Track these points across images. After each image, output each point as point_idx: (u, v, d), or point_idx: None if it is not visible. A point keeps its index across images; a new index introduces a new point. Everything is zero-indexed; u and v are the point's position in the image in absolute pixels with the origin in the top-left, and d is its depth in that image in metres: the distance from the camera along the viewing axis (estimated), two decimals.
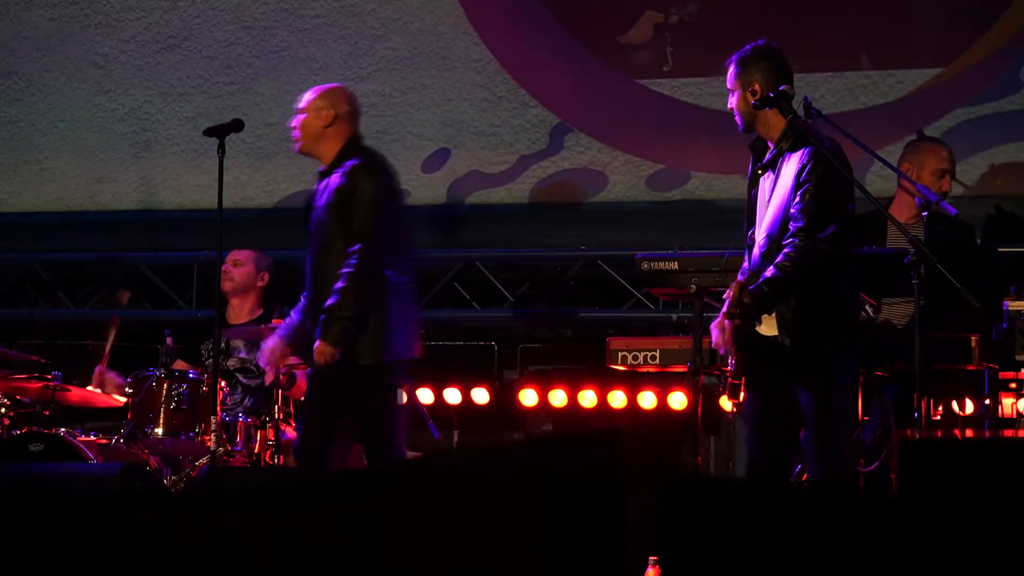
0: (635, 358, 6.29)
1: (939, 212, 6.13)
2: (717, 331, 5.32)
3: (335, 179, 5.98)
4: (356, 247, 5.86)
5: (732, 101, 5.33)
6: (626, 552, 2.70)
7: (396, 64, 8.57)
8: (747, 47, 5.36)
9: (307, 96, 6.14)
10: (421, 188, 8.44)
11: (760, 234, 5.25)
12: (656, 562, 2.91)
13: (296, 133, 6.10)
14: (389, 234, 5.99)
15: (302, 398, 6.53)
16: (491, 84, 8.45)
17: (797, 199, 5.10)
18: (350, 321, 5.82)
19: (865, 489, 5.74)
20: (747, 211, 5.37)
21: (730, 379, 5.25)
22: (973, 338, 5.95)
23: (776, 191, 5.20)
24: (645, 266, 6.01)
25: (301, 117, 6.09)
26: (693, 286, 5.73)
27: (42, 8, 9.04)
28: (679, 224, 7.97)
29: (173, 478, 6.69)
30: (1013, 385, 6.24)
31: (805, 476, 5.67)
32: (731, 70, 5.34)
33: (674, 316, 7.96)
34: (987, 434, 6.05)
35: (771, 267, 5.08)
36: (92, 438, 6.97)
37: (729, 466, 7.54)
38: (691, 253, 6.03)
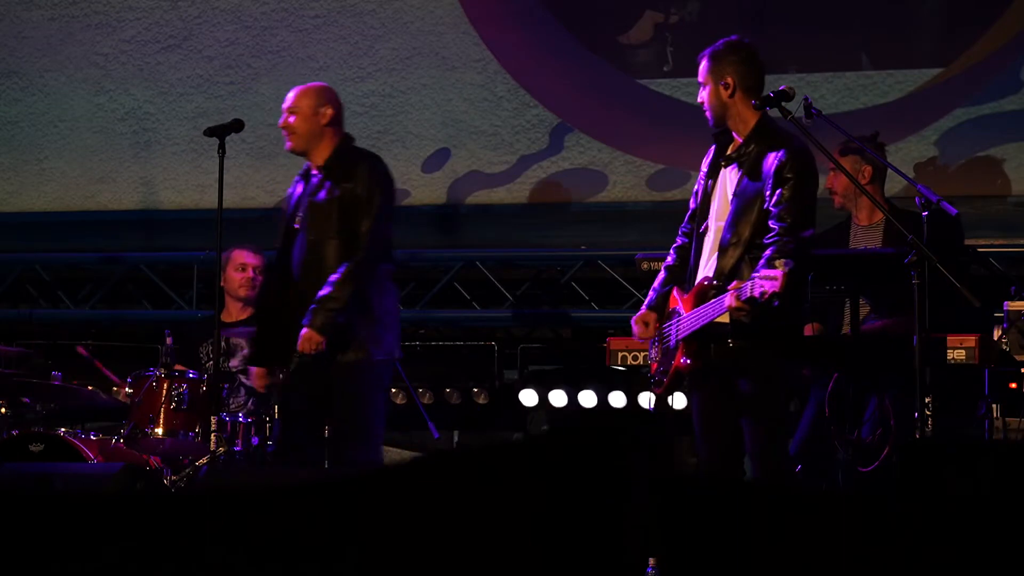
0: (635, 358, 6.29)
1: (940, 211, 6.13)
2: (639, 326, 5.34)
3: (335, 178, 6.04)
4: (365, 247, 5.95)
5: (703, 95, 5.36)
6: (626, 552, 2.71)
7: (396, 64, 8.57)
8: (719, 42, 5.39)
9: (296, 95, 6.15)
10: (421, 188, 8.45)
11: (716, 224, 5.27)
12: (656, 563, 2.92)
13: (290, 133, 6.11)
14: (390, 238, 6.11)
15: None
16: (491, 84, 8.45)
17: (776, 197, 5.10)
18: (339, 312, 5.87)
19: (865, 489, 5.74)
20: (701, 201, 5.36)
21: (666, 380, 5.23)
22: (973, 338, 5.95)
23: (743, 187, 5.20)
24: (645, 266, 6.03)
25: (293, 118, 6.10)
26: None
27: (42, 8, 9.04)
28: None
29: (173, 478, 6.69)
30: (1013, 385, 6.23)
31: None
32: (703, 64, 5.36)
33: None
34: (987, 434, 6.05)
35: (778, 262, 4.92)
36: (92, 438, 6.98)
37: None
38: None
